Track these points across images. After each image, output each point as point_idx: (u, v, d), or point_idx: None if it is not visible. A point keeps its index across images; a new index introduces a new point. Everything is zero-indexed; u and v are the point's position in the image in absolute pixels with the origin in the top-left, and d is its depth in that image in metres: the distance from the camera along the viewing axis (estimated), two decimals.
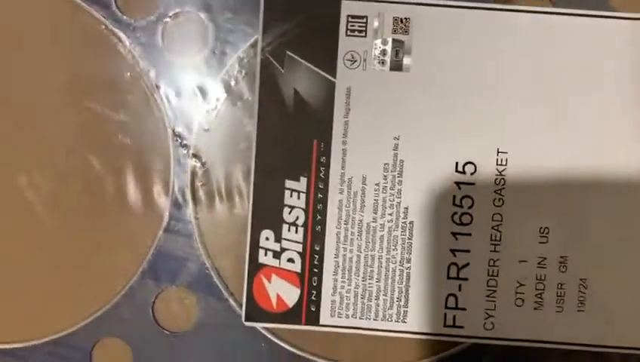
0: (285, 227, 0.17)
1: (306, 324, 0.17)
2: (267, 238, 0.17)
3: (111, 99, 0.17)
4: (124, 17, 0.17)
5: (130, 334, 0.17)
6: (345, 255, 0.17)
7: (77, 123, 0.17)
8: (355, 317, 0.17)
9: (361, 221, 0.17)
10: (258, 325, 0.17)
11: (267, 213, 0.17)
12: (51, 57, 0.17)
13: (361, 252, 0.17)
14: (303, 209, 0.17)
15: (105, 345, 0.17)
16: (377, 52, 0.17)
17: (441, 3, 0.17)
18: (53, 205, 0.17)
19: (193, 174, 0.17)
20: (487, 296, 0.17)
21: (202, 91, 0.17)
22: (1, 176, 0.17)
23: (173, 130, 0.17)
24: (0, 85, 0.17)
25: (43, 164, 0.17)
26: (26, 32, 0.17)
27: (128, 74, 0.17)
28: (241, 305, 0.17)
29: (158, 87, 0.17)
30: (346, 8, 0.17)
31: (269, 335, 0.17)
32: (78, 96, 0.17)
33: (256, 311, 0.17)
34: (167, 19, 0.17)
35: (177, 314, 0.17)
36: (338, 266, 0.17)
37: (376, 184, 0.17)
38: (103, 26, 0.17)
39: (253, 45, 0.17)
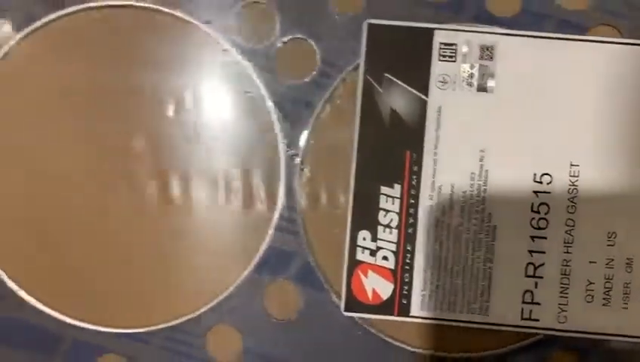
0: (380, 228, 0.19)
1: (397, 316, 0.19)
2: (364, 238, 0.19)
3: (230, 112, 0.19)
4: (246, 43, 0.19)
5: (241, 322, 0.19)
6: (434, 254, 0.19)
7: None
8: (442, 310, 0.19)
9: (449, 224, 0.19)
10: (355, 315, 0.19)
11: (365, 215, 0.19)
12: (181, 77, 0.19)
13: (448, 252, 0.19)
14: (396, 213, 0.19)
15: (218, 331, 0.19)
16: (465, 75, 0.19)
17: (522, 33, 0.19)
18: (175, 205, 0.19)
19: (301, 181, 0.19)
20: (561, 293, 0.19)
21: (310, 106, 0.19)
22: (123, 180, 0.19)
23: (285, 142, 0.19)
24: (139, 104, 0.19)
25: (163, 168, 0.19)
26: (159, 57, 0.19)
27: (248, 93, 0.19)
28: (340, 298, 0.19)
29: (272, 103, 0.19)
30: (439, 36, 0.19)
31: (365, 325, 0.19)
32: (204, 110, 0.19)
33: (353, 303, 0.19)
34: (281, 45, 0.19)
35: (284, 304, 0.19)
36: (428, 264, 0.19)
37: (463, 191, 0.19)
38: (227, 51, 0.19)
39: (356, 68, 0.19)
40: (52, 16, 0.19)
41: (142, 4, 0.19)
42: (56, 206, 0.19)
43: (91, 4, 0.19)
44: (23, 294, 0.19)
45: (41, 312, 0.19)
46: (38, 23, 0.19)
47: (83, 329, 0.19)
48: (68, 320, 0.19)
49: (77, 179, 0.19)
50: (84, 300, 0.19)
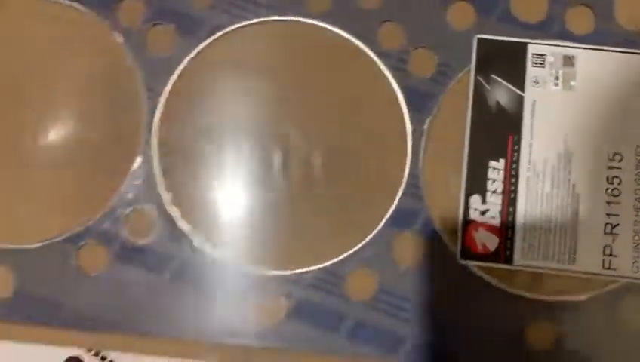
0: (488, 193, 0.24)
1: (503, 263, 0.24)
2: (475, 201, 0.24)
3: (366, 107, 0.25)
4: (383, 48, 0.25)
5: (376, 266, 0.24)
6: (531, 215, 0.24)
7: (353, 120, 0.25)
8: (538, 260, 0.24)
9: (542, 192, 0.24)
10: (468, 263, 0.24)
11: (476, 183, 0.24)
12: (330, 83, 0.25)
13: (542, 214, 0.24)
14: (501, 181, 0.24)
15: (358, 274, 0.24)
16: (552, 77, 0.24)
17: (594, 47, 0.25)
18: (329, 174, 0.24)
19: (424, 156, 0.24)
20: (634, 247, 0.23)
21: (432, 99, 0.25)
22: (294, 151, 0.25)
23: (412, 122, 0.24)
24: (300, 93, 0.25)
25: (330, 146, 0.25)
26: (320, 69, 0.25)
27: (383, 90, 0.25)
28: (456, 249, 0.24)
29: (402, 95, 0.25)
30: (531, 49, 0.25)
31: (475, 270, 0.24)
32: (346, 113, 0.25)
33: (467, 253, 0.24)
34: (410, 50, 0.25)
35: (409, 253, 0.24)
36: (526, 223, 0.24)
37: (553, 166, 0.24)
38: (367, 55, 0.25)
39: (468, 71, 0.25)
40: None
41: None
42: None
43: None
44: None
45: None
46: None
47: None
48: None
49: None
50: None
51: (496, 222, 0.24)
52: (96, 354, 0.25)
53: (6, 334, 0.24)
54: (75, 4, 0.25)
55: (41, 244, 0.24)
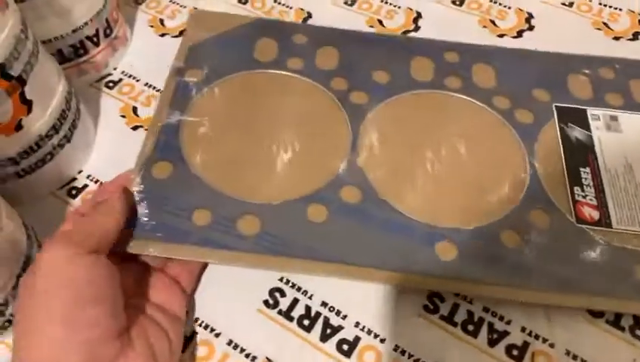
0: (585, 186, 0.36)
1: (605, 227, 0.34)
2: (577, 190, 0.36)
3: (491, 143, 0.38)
4: (501, 107, 0.39)
5: (519, 227, 0.34)
6: (617, 199, 0.35)
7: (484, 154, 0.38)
8: (628, 225, 0.34)
9: (619, 185, 0.36)
10: (583, 226, 0.34)
11: (575, 181, 0.36)
12: (464, 131, 0.39)
13: (624, 198, 0.35)
14: (590, 179, 0.36)
15: (507, 233, 0.34)
16: (605, 126, 0.39)
17: (629, 112, 0.40)
18: (467, 160, 0.36)
19: (539, 169, 0.37)
20: None
21: (534, 134, 0.38)
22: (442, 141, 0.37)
23: (526, 148, 0.37)
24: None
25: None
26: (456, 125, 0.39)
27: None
28: (571, 217, 0.34)
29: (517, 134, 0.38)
30: (589, 111, 0.40)
31: (591, 233, 0.34)
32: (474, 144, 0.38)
33: (580, 221, 0.34)
34: (514, 110, 0.39)
35: (541, 222, 0.34)
36: (614, 204, 0.35)
37: (622, 172, 0.36)
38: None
39: (553, 121, 0.39)
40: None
41: None
42: None
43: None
44: None
45: None
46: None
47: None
48: (417, 218, 0.34)
49: None
50: (427, 206, 0.34)
51: (594, 202, 0.35)
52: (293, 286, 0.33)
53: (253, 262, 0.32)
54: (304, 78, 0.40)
55: (281, 201, 0.34)
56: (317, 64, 0.41)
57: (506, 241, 0.33)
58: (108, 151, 0.41)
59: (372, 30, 0.49)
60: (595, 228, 0.34)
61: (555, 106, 0.40)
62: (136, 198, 0.33)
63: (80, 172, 0.40)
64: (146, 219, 0.32)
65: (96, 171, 0.40)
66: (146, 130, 0.40)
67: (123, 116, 0.43)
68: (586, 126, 0.39)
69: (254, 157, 0.36)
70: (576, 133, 0.39)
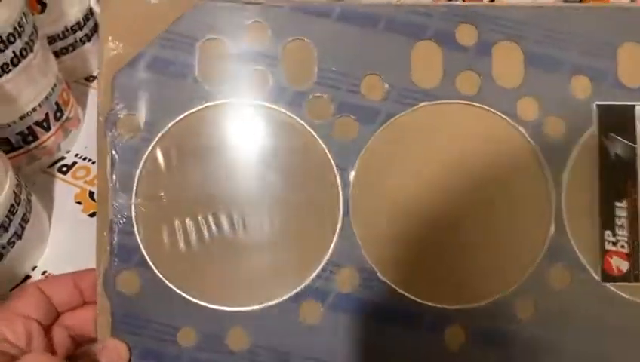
0: (617, 228, 0.31)
1: (632, 282, 0.30)
2: (608, 235, 0.31)
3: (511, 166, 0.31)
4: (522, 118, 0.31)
5: (535, 294, 0.30)
6: None
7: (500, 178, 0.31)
8: None
9: None
10: (607, 284, 0.30)
11: (607, 220, 0.31)
12: (484, 150, 0.31)
13: None
14: (625, 217, 0.31)
15: (523, 305, 0.30)
16: None
17: None
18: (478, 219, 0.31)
19: (565, 202, 0.31)
20: None
21: (565, 155, 0.31)
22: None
23: (551, 174, 0.31)
24: None
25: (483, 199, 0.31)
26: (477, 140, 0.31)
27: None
28: (597, 274, 0.30)
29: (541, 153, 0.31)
30: (638, 109, 0.31)
31: (614, 289, 0.30)
32: (494, 171, 0.31)
33: (606, 276, 0.30)
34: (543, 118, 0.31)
35: (561, 279, 0.30)
36: None
37: None
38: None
39: (592, 131, 0.31)
40: None
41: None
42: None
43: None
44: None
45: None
46: None
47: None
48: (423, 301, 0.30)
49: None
50: (432, 284, 0.30)
51: (625, 250, 0.31)
52: None
53: None
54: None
55: (267, 304, 0.30)
56: (284, 74, 0.31)
57: (521, 314, 0.30)
58: (64, 243, 0.36)
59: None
60: (621, 284, 0.31)
61: (597, 106, 0.31)
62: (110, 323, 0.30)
63: (34, 268, 0.35)
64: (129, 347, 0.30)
65: (52, 266, 0.35)
66: None
67: (79, 203, 0.40)
68: (630, 133, 0.31)
69: (224, 245, 0.30)
70: (618, 147, 0.31)
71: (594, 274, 0.31)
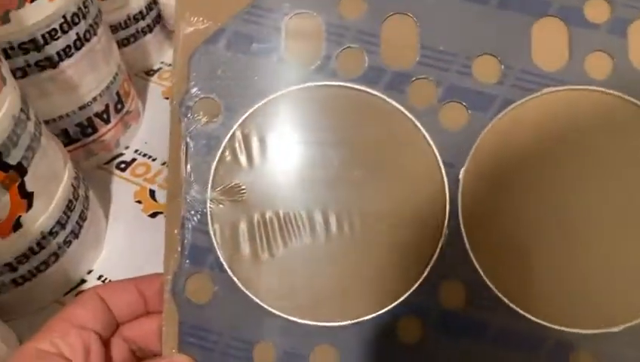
0: None
1: None
2: None
3: None
4: None
5: None
6: None
7: None
8: None
9: None
10: None
11: None
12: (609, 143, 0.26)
13: None
14: None
15: None
16: None
17: None
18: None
19: None
20: None
21: None
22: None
23: None
24: None
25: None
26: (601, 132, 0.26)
27: None
28: None
29: None
30: None
31: None
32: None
33: None
34: None
35: None
36: None
37: None
38: None
39: None
40: None
41: None
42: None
43: None
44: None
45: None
46: None
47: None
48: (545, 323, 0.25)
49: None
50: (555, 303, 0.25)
51: None
52: None
53: None
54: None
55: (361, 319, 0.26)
56: (381, 54, 0.27)
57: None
58: (122, 245, 0.32)
59: None
60: None
61: None
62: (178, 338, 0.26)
63: (89, 272, 0.32)
64: None
65: (108, 271, 0.32)
66: None
67: (139, 202, 0.37)
68: None
69: (312, 250, 0.26)
70: None
71: None
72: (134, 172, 0.39)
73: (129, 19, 0.43)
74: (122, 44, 0.45)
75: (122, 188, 0.39)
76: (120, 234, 0.36)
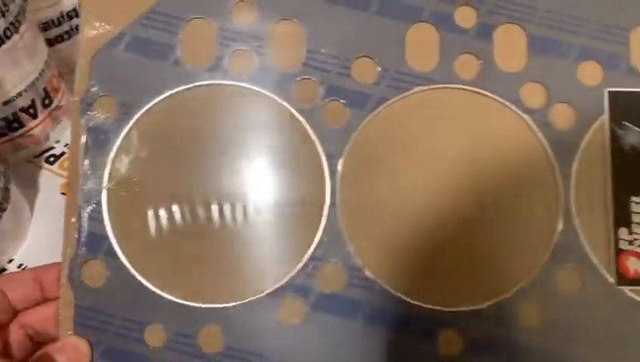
0: (634, 225, 0.28)
1: None
2: (623, 233, 0.28)
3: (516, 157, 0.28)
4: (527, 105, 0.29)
5: (542, 298, 0.27)
6: None
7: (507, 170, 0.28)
8: None
9: None
10: (624, 287, 0.27)
11: (622, 217, 0.28)
12: (484, 137, 0.29)
13: None
14: None
15: (527, 307, 0.27)
16: None
17: None
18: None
19: (575, 196, 0.28)
20: None
21: (573, 147, 0.28)
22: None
23: (559, 169, 0.28)
24: None
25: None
26: (472, 125, 0.29)
27: None
28: (609, 275, 0.27)
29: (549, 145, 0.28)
30: None
31: (630, 293, 0.27)
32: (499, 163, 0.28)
33: (621, 278, 0.27)
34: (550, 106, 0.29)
35: (571, 283, 0.27)
36: None
37: None
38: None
39: (602, 120, 0.28)
40: None
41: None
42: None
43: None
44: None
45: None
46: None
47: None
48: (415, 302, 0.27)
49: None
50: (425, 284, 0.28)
51: None
52: None
53: None
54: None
55: (245, 301, 0.27)
56: (270, 56, 0.29)
57: (526, 320, 0.27)
58: (46, 235, 0.34)
59: None
60: (638, 287, 0.27)
61: (609, 93, 0.29)
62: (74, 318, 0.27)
63: (10, 261, 0.33)
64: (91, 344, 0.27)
65: (31, 259, 0.34)
66: None
67: (64, 193, 0.37)
68: None
69: (199, 236, 0.28)
70: (633, 137, 0.28)
71: (607, 277, 0.27)
72: (63, 165, 0.41)
73: (62, 16, 0.44)
74: (56, 40, 0.45)
75: (49, 181, 0.40)
76: (44, 225, 0.37)
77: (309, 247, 0.28)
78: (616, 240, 0.28)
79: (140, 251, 0.28)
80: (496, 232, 0.28)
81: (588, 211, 0.28)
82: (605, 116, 0.28)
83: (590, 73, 0.29)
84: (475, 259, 0.28)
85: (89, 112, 0.29)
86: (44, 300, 0.28)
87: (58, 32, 0.45)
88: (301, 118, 0.29)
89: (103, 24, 0.29)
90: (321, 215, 0.28)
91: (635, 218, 0.28)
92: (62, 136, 0.42)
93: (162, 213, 0.28)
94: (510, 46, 0.29)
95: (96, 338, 0.27)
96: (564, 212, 0.28)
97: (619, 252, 0.28)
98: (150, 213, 0.28)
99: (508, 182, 0.28)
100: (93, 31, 0.29)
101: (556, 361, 0.27)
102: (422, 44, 0.29)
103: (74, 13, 0.45)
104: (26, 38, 0.36)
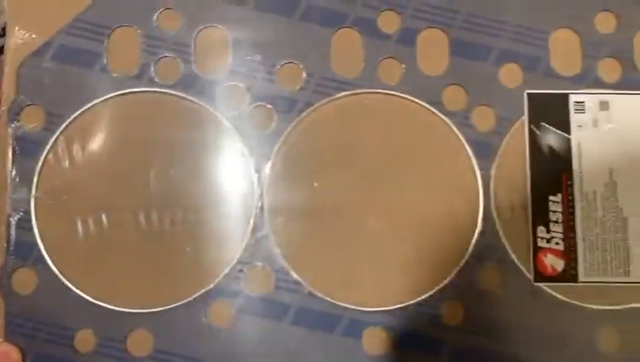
0: (551, 223, 0.28)
1: (569, 282, 0.28)
2: (541, 231, 0.28)
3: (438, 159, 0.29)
4: (449, 108, 0.29)
5: (467, 297, 0.28)
6: (589, 239, 0.28)
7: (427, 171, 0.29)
8: (599, 275, 0.28)
9: (595, 218, 0.28)
10: (541, 284, 0.28)
11: (540, 216, 0.28)
12: (407, 141, 0.29)
13: (598, 236, 0.28)
14: (560, 212, 0.28)
15: (451, 304, 0.28)
16: (591, 121, 0.29)
17: (624, 92, 0.29)
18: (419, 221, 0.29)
19: (494, 196, 0.29)
20: None
21: (494, 148, 0.29)
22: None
23: (480, 169, 0.29)
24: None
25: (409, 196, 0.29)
26: (396, 131, 0.29)
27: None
28: (530, 273, 0.28)
29: (468, 146, 0.29)
30: (573, 98, 0.29)
31: (548, 290, 0.28)
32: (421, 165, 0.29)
33: (539, 276, 0.28)
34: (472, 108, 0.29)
35: (491, 281, 0.28)
36: (585, 246, 0.28)
37: (602, 195, 0.29)
38: None
39: (522, 121, 0.29)
40: None
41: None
42: None
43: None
44: None
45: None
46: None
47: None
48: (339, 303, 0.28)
49: None
50: (350, 285, 0.28)
51: (560, 247, 0.28)
52: None
53: None
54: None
55: (173, 305, 0.28)
56: (195, 63, 0.29)
57: (449, 318, 0.28)
58: None
59: None
60: (555, 284, 0.28)
61: (528, 94, 0.29)
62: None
63: None
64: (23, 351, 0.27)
65: None
66: None
67: None
68: (564, 124, 0.29)
69: (127, 243, 0.28)
70: (551, 138, 0.29)
71: (527, 274, 0.28)
72: None
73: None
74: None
75: None
76: None
77: (236, 251, 0.28)
78: (535, 238, 0.28)
79: (69, 258, 0.28)
80: (419, 232, 0.29)
81: (509, 211, 0.29)
82: (524, 117, 0.29)
83: (510, 75, 0.30)
84: (399, 259, 0.29)
85: (16, 122, 0.29)
86: None
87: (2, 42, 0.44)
88: (228, 124, 0.29)
89: (29, 33, 0.29)
90: (248, 219, 0.28)
91: (553, 216, 0.29)
92: None
93: (90, 220, 0.28)
94: (432, 50, 0.30)
95: (27, 345, 0.28)
96: (484, 212, 0.29)
97: (537, 250, 0.28)
98: (79, 220, 0.28)
99: (430, 183, 0.29)
100: (19, 40, 0.29)
101: (479, 358, 0.28)
102: (346, 49, 0.30)
103: None
104: None
